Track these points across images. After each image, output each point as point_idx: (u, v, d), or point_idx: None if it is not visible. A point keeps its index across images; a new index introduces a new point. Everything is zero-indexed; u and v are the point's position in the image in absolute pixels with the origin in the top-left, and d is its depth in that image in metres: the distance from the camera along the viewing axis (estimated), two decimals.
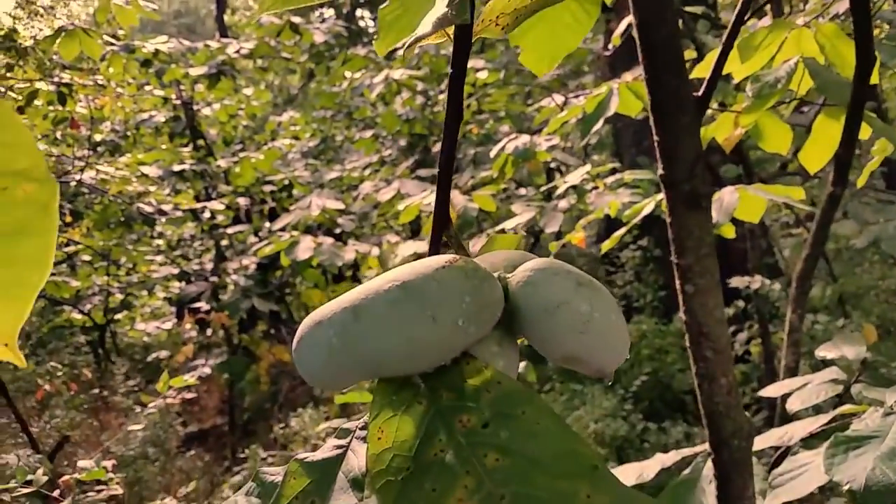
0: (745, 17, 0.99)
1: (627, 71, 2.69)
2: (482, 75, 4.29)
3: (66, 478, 1.70)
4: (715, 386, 0.99)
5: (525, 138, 2.97)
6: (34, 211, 0.25)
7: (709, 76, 0.94)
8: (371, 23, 13.05)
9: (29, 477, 3.40)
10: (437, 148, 4.84)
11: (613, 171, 2.87)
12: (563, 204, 2.84)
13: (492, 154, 2.98)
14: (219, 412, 6.80)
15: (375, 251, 3.46)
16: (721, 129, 1.74)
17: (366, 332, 0.29)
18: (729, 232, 2.09)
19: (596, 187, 2.69)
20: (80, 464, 1.77)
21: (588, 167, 2.69)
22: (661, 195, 2.16)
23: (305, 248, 3.39)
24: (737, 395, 1.00)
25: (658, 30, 0.88)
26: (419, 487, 0.27)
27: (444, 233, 0.36)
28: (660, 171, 0.94)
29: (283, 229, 4.14)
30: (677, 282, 0.99)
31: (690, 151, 0.92)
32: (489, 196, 3.13)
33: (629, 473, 1.40)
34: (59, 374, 4.90)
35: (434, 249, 0.36)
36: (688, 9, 2.81)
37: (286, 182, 6.15)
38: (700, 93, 0.92)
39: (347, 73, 6.02)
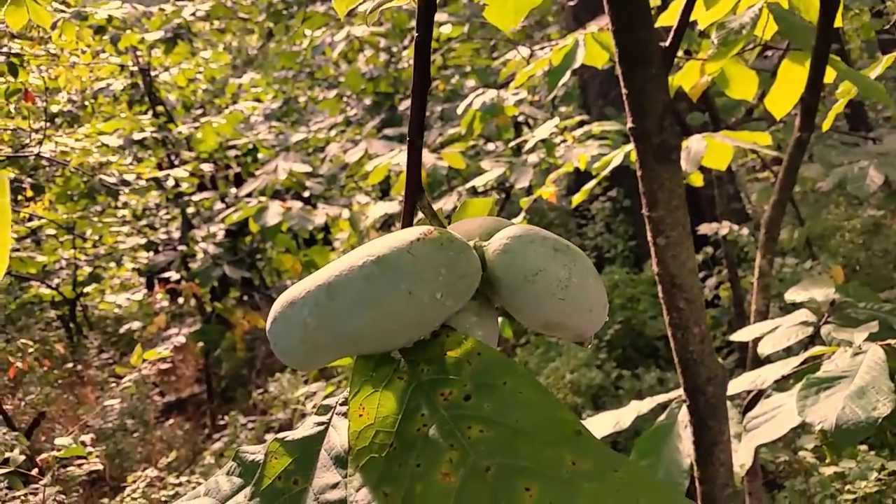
0: None
1: (592, 21, 2.66)
2: (446, 30, 4.22)
3: (44, 456, 1.69)
4: (688, 335, 1.00)
5: (492, 93, 2.94)
6: None
7: (675, 26, 0.93)
8: None
9: (6, 455, 3.38)
10: (403, 106, 4.77)
11: (581, 124, 2.87)
12: (532, 158, 2.84)
13: (459, 111, 2.95)
14: (196, 381, 6.79)
15: (346, 213, 3.43)
16: (687, 78, 1.74)
17: (341, 309, 0.28)
18: (697, 180, 2.11)
19: (564, 140, 2.68)
20: (58, 441, 1.75)
21: (556, 120, 2.68)
22: (630, 146, 2.16)
23: (274, 213, 3.35)
24: (709, 343, 1.02)
25: (630, 16, 0.86)
26: (404, 463, 0.27)
27: (418, 203, 0.35)
28: (629, 125, 0.94)
29: (250, 195, 4.08)
30: (649, 235, 0.99)
31: (659, 103, 0.91)
32: (458, 154, 3.11)
33: (606, 421, 1.43)
34: (31, 350, 4.83)
35: (408, 221, 0.35)
36: None
37: (250, 146, 6.05)
38: (667, 43, 0.91)
39: (308, 32, 5.90)
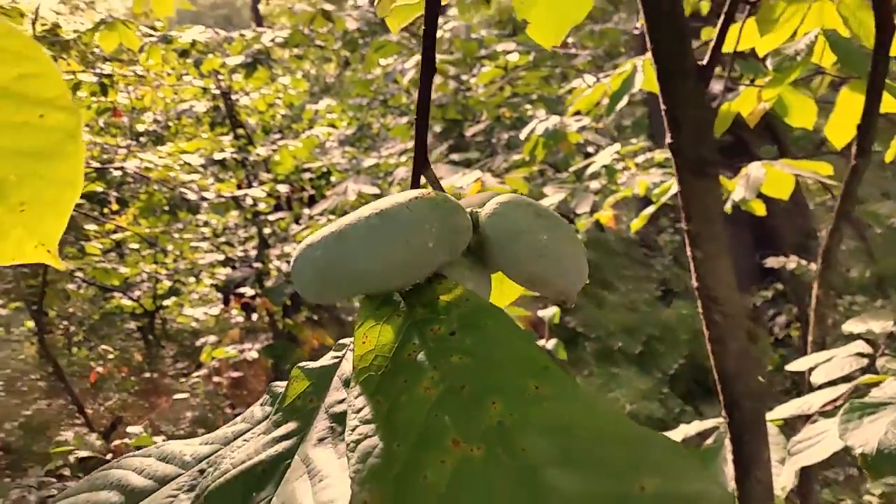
0: None
1: None
2: (513, 58, 4.30)
3: (117, 442, 1.81)
4: (725, 349, 1.03)
5: (555, 119, 2.99)
6: (63, 137, 0.30)
7: (712, 44, 0.97)
8: None
9: (86, 453, 3.58)
10: (470, 131, 4.87)
11: (645, 151, 2.88)
12: (594, 185, 2.86)
13: (521, 136, 3.01)
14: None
15: None
16: (745, 104, 1.75)
17: (347, 252, 0.34)
18: (759, 209, 2.09)
19: (627, 168, 2.70)
20: (130, 429, 1.87)
21: (617, 146, 2.71)
22: None
23: None
24: (749, 358, 1.04)
25: (662, 7, 0.91)
26: (394, 379, 0.33)
27: (423, 173, 0.41)
28: (667, 140, 0.98)
29: (321, 214, 4.23)
30: (687, 248, 1.02)
31: (696, 119, 0.95)
32: (521, 178, 3.16)
33: None
34: (111, 356, 5.09)
35: (414, 187, 0.41)
36: None
37: (324, 169, 6.25)
38: (704, 60, 0.95)
39: (382, 61, 6.08)
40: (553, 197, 2.81)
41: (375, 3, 0.42)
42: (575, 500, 0.27)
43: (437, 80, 5.23)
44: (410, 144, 6.61)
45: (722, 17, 1.00)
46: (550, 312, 2.39)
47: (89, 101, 5.23)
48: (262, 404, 0.41)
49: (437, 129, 6.45)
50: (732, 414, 1.04)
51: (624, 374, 3.81)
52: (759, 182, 1.81)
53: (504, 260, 0.38)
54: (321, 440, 0.34)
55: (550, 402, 0.31)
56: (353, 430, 0.30)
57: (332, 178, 6.31)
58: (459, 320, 0.35)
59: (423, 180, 0.41)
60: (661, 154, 2.66)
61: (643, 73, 1.96)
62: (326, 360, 0.39)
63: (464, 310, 0.35)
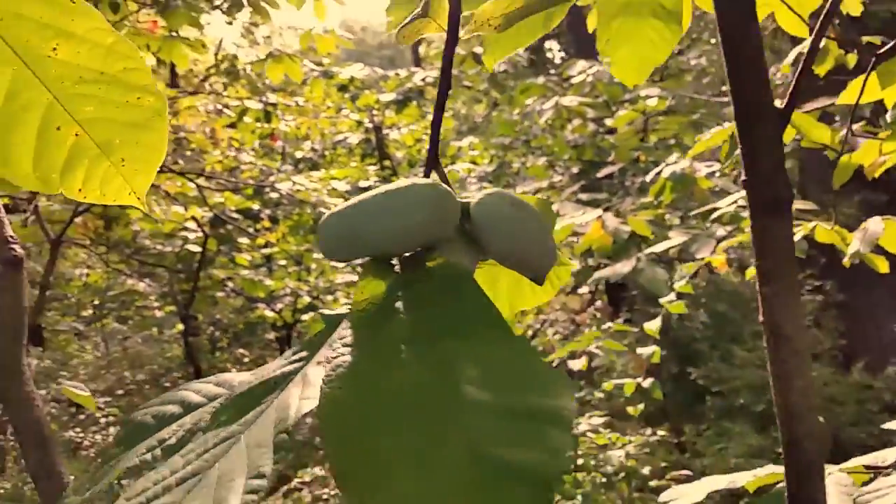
0: (822, 34, 1.02)
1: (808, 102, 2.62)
2: (651, 102, 4.31)
3: None
4: (789, 387, 1.03)
5: (684, 163, 2.98)
6: (153, 114, 0.42)
7: (790, 89, 1.00)
8: (558, 53, 13.21)
9: None
10: (602, 173, 4.89)
11: None
12: (720, 232, 2.82)
13: (648, 178, 3.02)
14: None
15: None
16: (866, 157, 1.71)
17: (358, 223, 0.44)
18: (882, 266, 2.01)
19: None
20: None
21: (741, 193, 2.66)
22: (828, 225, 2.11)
23: None
24: (811, 397, 1.04)
25: (741, 44, 0.96)
26: (375, 319, 0.42)
27: (434, 169, 0.51)
28: (742, 178, 1.01)
29: None
30: (757, 285, 1.04)
31: (771, 159, 0.98)
32: (644, 221, 3.16)
33: (720, 480, 1.43)
34: (246, 360, 5.48)
35: (426, 176, 0.50)
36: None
37: None
38: (783, 104, 0.98)
39: (528, 101, 6.25)
40: (673, 240, 2.79)
41: (396, 32, 0.51)
42: (476, 406, 0.35)
43: (576, 121, 5.31)
44: (545, 184, 6.70)
45: (801, 64, 1.03)
46: (650, 351, 2.37)
47: (253, 126, 5.75)
48: (293, 351, 0.52)
49: (575, 170, 6.51)
50: (790, 453, 1.04)
51: (739, 430, 3.65)
52: (876, 236, 1.75)
53: (486, 241, 0.47)
54: (319, 362, 0.44)
55: (490, 345, 0.40)
56: (335, 351, 0.40)
57: None
58: (438, 281, 0.44)
59: (434, 175, 0.51)
60: (803, 205, 2.58)
61: None
62: (342, 309, 0.49)
63: (443, 273, 0.44)
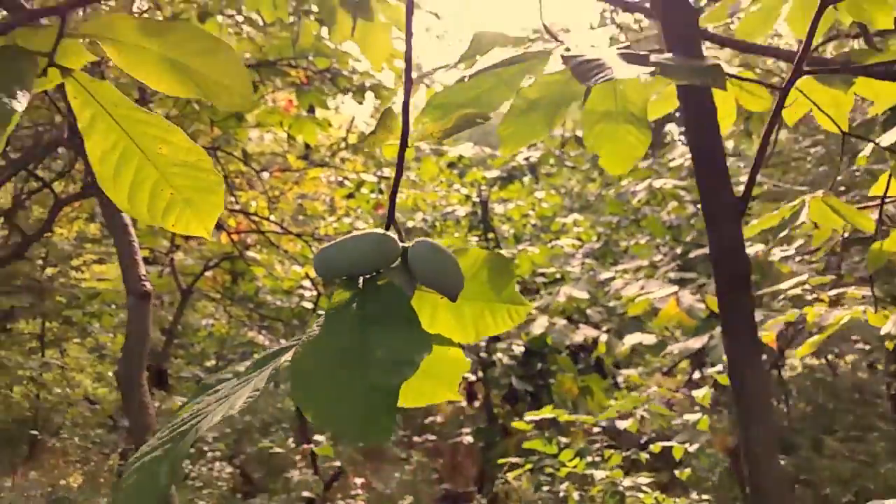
0: (776, 127, 1.21)
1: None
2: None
3: (304, 447, 2.27)
4: (748, 435, 1.20)
5: (758, 247, 3.09)
6: (214, 185, 0.72)
7: (747, 182, 1.20)
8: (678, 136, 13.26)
9: (305, 493, 4.20)
10: (693, 254, 4.98)
11: (835, 285, 2.85)
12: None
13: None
14: (475, 480, 7.32)
15: (603, 337, 3.74)
16: (894, 245, 1.81)
17: (334, 255, 0.71)
18: None
19: (819, 299, 2.71)
20: (316, 437, 2.33)
21: (804, 276, 2.73)
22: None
23: (540, 324, 3.81)
24: (772, 446, 1.20)
25: (708, 155, 1.18)
26: (338, 311, 0.69)
27: (392, 224, 0.77)
28: (712, 256, 1.22)
29: (535, 310, 4.61)
30: (723, 344, 1.23)
31: (734, 243, 1.19)
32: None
33: None
34: None
35: (386, 230, 0.76)
36: None
37: (557, 276, 6.65)
38: (741, 196, 1.19)
39: (624, 183, 6.43)
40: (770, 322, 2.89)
41: (370, 137, 0.77)
42: (376, 361, 0.61)
43: (673, 203, 5.43)
44: (645, 263, 6.79)
45: (755, 158, 1.23)
46: (702, 392, 2.45)
47: (368, 197, 6.25)
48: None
49: (678, 250, 6.57)
50: (754, 499, 1.20)
51: None
52: None
53: (418, 272, 0.72)
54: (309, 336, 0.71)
55: (396, 330, 0.65)
56: (309, 332, 0.67)
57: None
58: (381, 293, 0.70)
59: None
60: (858, 291, 2.64)
61: (808, 209, 2.10)
62: (334, 308, 0.76)
63: (385, 289, 0.70)
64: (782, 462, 4.79)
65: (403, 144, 0.76)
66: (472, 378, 6.58)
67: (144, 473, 0.60)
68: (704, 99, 1.12)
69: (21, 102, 0.52)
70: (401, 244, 0.73)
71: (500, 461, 4.19)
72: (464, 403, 8.34)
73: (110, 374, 9.36)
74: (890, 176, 1.70)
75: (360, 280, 0.72)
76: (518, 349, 6.64)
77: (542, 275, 6.71)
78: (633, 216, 8.90)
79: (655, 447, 3.02)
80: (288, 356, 0.69)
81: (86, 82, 0.61)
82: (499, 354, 6.46)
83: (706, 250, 5.15)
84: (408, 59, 0.79)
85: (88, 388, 9.12)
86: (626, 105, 1.13)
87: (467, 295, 0.86)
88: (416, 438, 6.70)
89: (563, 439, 3.53)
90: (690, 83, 0.93)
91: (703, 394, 2.45)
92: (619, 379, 5.58)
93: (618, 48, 0.94)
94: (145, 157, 0.68)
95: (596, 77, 0.83)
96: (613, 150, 1.20)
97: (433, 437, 6.99)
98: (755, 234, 2.44)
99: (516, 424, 3.83)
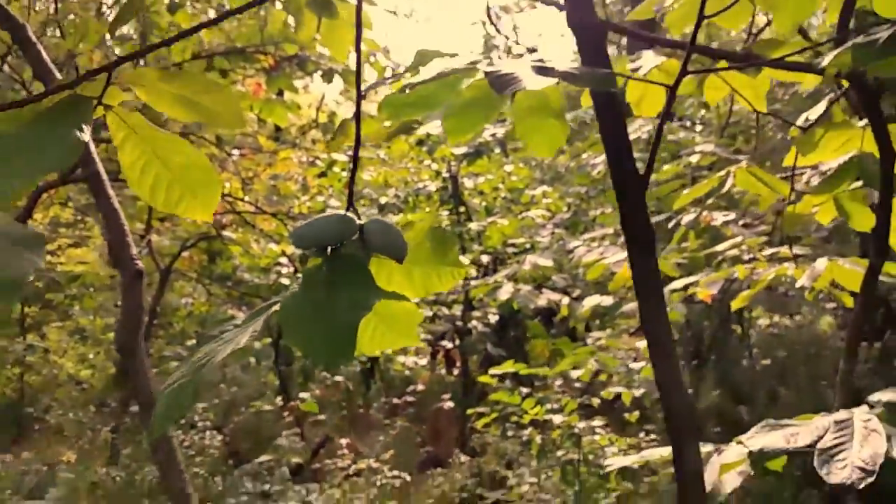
0: (668, 113, 1.45)
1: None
2: (694, 158, 4.69)
3: (292, 404, 2.51)
4: (659, 371, 1.45)
5: (704, 213, 3.36)
6: (211, 180, 0.93)
7: (648, 161, 1.44)
8: None
9: (297, 459, 4.45)
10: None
11: (771, 246, 3.13)
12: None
13: (669, 226, 3.40)
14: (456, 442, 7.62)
15: (565, 300, 4.01)
16: (805, 208, 2.08)
17: (307, 230, 0.94)
18: (847, 300, 2.34)
19: (755, 258, 2.98)
20: (301, 395, 2.56)
21: (739, 239, 3.00)
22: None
23: (505, 291, 4.06)
24: (678, 378, 1.45)
25: (615, 136, 1.42)
26: (310, 272, 0.92)
27: (351, 206, 1.00)
28: (624, 234, 1.46)
29: (503, 278, 4.87)
30: (636, 300, 1.48)
31: (641, 212, 1.43)
32: (673, 263, 3.56)
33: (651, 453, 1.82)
34: (328, 383, 6.07)
35: (347, 209, 0.99)
36: None
37: (527, 245, 6.92)
38: (643, 172, 1.43)
39: (584, 155, 6.67)
40: (686, 279, 3.16)
41: (330, 141, 0.97)
42: (340, 305, 0.84)
43: None
44: (611, 230, 7.08)
45: (653, 145, 1.47)
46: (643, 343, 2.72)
47: (339, 176, 6.45)
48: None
49: None
50: (669, 419, 1.46)
51: None
52: (819, 274, 2.11)
53: (369, 242, 0.95)
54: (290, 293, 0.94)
55: (353, 285, 0.89)
56: (293, 287, 0.90)
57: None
58: (343, 259, 0.93)
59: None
60: (790, 251, 2.91)
61: (733, 178, 2.36)
62: (309, 270, 0.99)
63: (347, 255, 0.93)
64: (742, 411, 5.14)
65: (357, 145, 0.99)
66: (450, 346, 6.85)
67: (176, 391, 0.83)
68: (609, 95, 1.35)
69: (86, 135, 0.73)
70: (358, 222, 0.96)
71: (475, 419, 4.47)
72: (443, 371, 8.64)
73: (91, 355, 9.53)
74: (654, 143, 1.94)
75: (328, 250, 0.96)
76: (493, 318, 6.92)
77: (513, 245, 6.96)
78: (602, 186, 9.17)
79: (606, 393, 3.31)
80: (276, 308, 0.93)
81: (121, 114, 0.83)
82: (474, 322, 6.72)
83: (660, 217, 5.45)
84: (358, 74, 1.02)
85: (71, 370, 9.28)
86: (546, 102, 1.36)
87: (415, 260, 1.10)
88: (395, 401, 6.97)
89: (525, 389, 3.83)
90: (587, 87, 1.16)
91: (644, 345, 2.72)
92: (589, 341, 5.89)
93: (532, 61, 1.17)
94: (162, 163, 0.90)
95: (510, 88, 1.06)
96: (539, 139, 1.43)
97: (410, 399, 7.25)
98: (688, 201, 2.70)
99: (482, 378, 4.12)
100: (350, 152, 6.12)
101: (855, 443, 1.14)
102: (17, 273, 0.52)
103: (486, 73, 1.09)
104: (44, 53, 2.53)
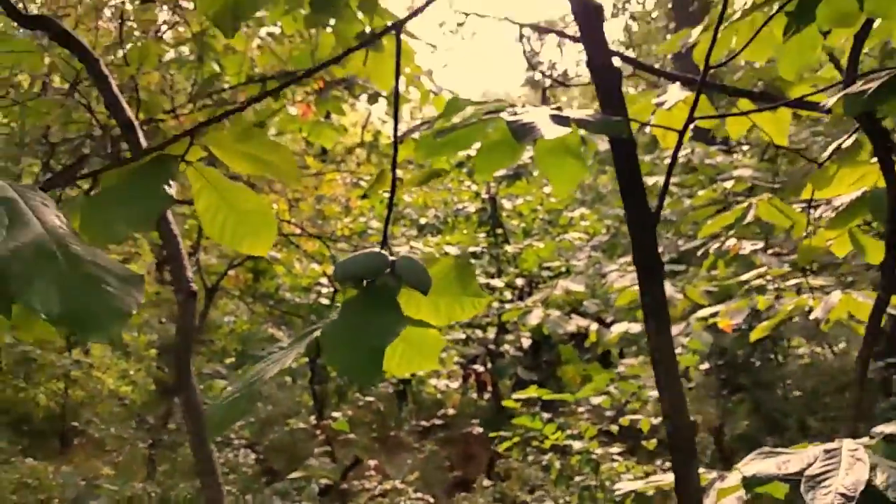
0: (678, 154, 1.56)
1: None
2: (728, 184, 4.74)
3: (324, 423, 2.64)
4: (664, 396, 1.55)
5: (731, 242, 3.43)
6: (270, 223, 1.07)
7: (658, 200, 1.55)
8: None
9: (325, 480, 4.59)
10: (685, 246, 5.31)
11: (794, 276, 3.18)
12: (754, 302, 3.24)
13: (699, 253, 3.47)
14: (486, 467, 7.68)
15: (593, 326, 4.09)
16: (821, 241, 2.15)
17: (349, 265, 1.07)
18: (859, 329, 2.40)
19: (780, 288, 3.04)
20: (333, 414, 2.69)
21: (763, 269, 3.06)
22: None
23: (535, 316, 4.16)
24: (682, 401, 1.55)
25: (629, 175, 1.53)
26: (350, 301, 1.06)
27: (385, 245, 1.13)
28: (635, 261, 1.57)
29: (533, 304, 4.96)
30: (644, 324, 1.58)
31: (651, 243, 1.54)
32: (699, 291, 3.63)
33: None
34: (360, 404, 6.20)
35: (381, 248, 1.12)
36: None
37: (563, 269, 7.00)
38: (656, 210, 1.54)
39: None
40: (712, 308, 3.23)
41: (368, 189, 1.09)
42: (372, 330, 0.98)
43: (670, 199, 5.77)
44: None
45: (665, 179, 1.58)
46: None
47: (382, 197, 6.63)
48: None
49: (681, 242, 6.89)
50: (672, 439, 1.55)
51: None
52: (832, 306, 2.18)
53: (400, 276, 1.08)
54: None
55: (388, 313, 1.02)
56: (332, 314, 1.03)
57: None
58: (377, 290, 1.06)
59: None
60: (815, 280, 2.96)
61: (755, 210, 2.44)
62: (347, 300, 1.12)
63: (380, 287, 1.06)
64: (769, 442, 5.12)
65: (392, 191, 1.13)
66: (481, 369, 6.94)
67: (230, 403, 0.97)
68: (623, 139, 1.47)
69: (172, 189, 0.88)
70: (390, 258, 1.10)
71: (499, 442, 4.56)
72: (474, 395, 8.71)
73: (132, 371, 9.81)
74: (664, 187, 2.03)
75: (364, 282, 1.09)
76: (526, 342, 7.00)
77: (549, 268, 7.05)
78: None
79: (625, 420, 3.39)
80: (317, 333, 1.06)
81: (200, 168, 0.98)
82: (506, 346, 6.81)
83: (696, 243, 5.49)
84: (395, 137, 1.15)
85: (112, 386, 9.56)
86: (564, 143, 1.48)
87: (440, 291, 1.23)
88: (425, 423, 7.06)
89: (546, 414, 3.91)
90: (600, 133, 1.28)
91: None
92: (621, 368, 5.93)
93: (550, 109, 1.30)
94: (230, 208, 1.05)
95: (528, 137, 1.19)
96: (559, 177, 1.55)
97: (440, 423, 7.33)
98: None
99: (506, 402, 4.20)
100: (399, 172, 6.31)
101: (841, 471, 1.22)
102: (126, 306, 0.65)
103: (508, 123, 1.22)
104: (114, 85, 2.74)
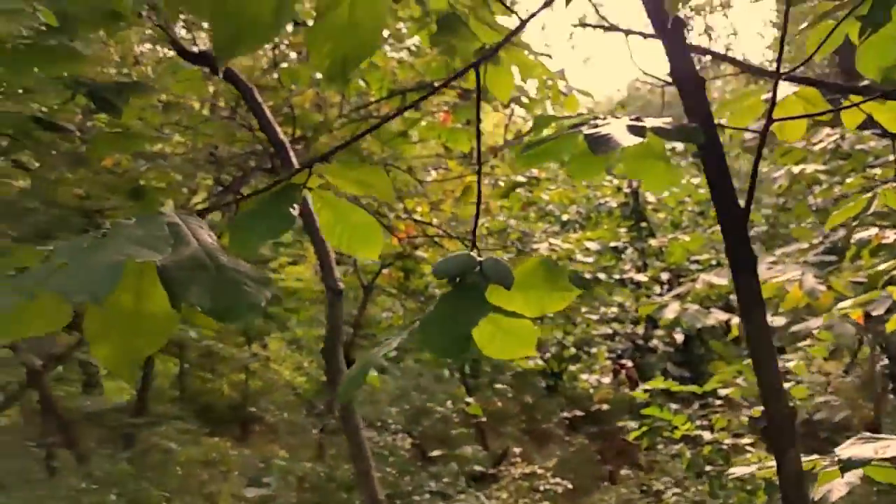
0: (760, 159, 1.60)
1: None
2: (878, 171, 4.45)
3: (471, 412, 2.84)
4: (763, 383, 1.62)
5: (872, 231, 3.28)
6: (377, 231, 1.28)
7: (747, 197, 1.61)
8: None
9: (476, 467, 4.85)
10: (836, 236, 5.05)
11: None
12: None
13: (840, 243, 3.34)
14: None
15: (735, 320, 4.01)
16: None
17: (444, 265, 1.27)
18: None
19: None
20: (467, 399, 2.89)
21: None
22: None
23: (672, 310, 4.14)
24: (780, 389, 1.61)
25: (720, 181, 1.62)
26: (445, 297, 1.25)
27: (475, 246, 1.31)
28: (734, 276, 1.65)
29: (674, 297, 4.91)
30: (739, 316, 1.66)
31: (744, 240, 1.62)
32: (844, 282, 3.50)
33: None
34: (510, 395, 6.41)
35: (471, 250, 1.29)
36: None
37: (713, 262, 6.84)
38: (745, 206, 1.61)
39: (765, 169, 6.48)
40: (852, 300, 3.11)
41: (457, 198, 1.25)
42: (461, 318, 1.17)
43: (819, 187, 5.48)
44: (805, 245, 6.77)
45: (751, 181, 1.63)
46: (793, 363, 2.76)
47: (520, 196, 6.82)
48: None
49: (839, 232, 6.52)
50: (770, 420, 1.62)
51: None
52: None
53: (486, 274, 1.25)
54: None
55: (475, 305, 1.21)
56: (430, 308, 1.23)
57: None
58: (468, 286, 1.25)
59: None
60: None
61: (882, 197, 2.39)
62: (443, 295, 1.32)
63: (470, 283, 1.25)
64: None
65: (478, 202, 1.31)
66: (630, 364, 6.94)
67: (350, 378, 1.19)
68: (712, 140, 1.56)
69: (295, 213, 1.13)
70: (479, 259, 1.28)
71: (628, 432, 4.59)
72: (626, 390, 8.66)
73: (305, 364, 10.61)
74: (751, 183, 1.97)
75: (456, 279, 1.28)
76: (679, 336, 6.91)
77: (697, 261, 6.92)
78: (801, 197, 8.75)
79: (755, 412, 3.33)
80: (417, 324, 1.27)
81: (319, 192, 1.23)
82: (655, 341, 6.77)
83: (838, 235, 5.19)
84: (478, 151, 1.34)
85: (287, 377, 10.40)
86: (649, 148, 1.60)
87: (529, 286, 1.40)
88: (568, 414, 7.15)
89: (674, 405, 3.92)
90: (674, 141, 1.39)
91: (794, 364, 2.76)
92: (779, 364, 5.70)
93: (629, 119, 1.44)
94: (344, 222, 1.29)
95: (604, 149, 1.34)
96: (648, 178, 1.67)
97: (586, 416, 7.37)
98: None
99: (635, 394, 4.23)
100: (530, 173, 6.43)
101: None
102: (257, 300, 0.90)
103: (585, 136, 1.37)
104: (266, 110, 3.12)
